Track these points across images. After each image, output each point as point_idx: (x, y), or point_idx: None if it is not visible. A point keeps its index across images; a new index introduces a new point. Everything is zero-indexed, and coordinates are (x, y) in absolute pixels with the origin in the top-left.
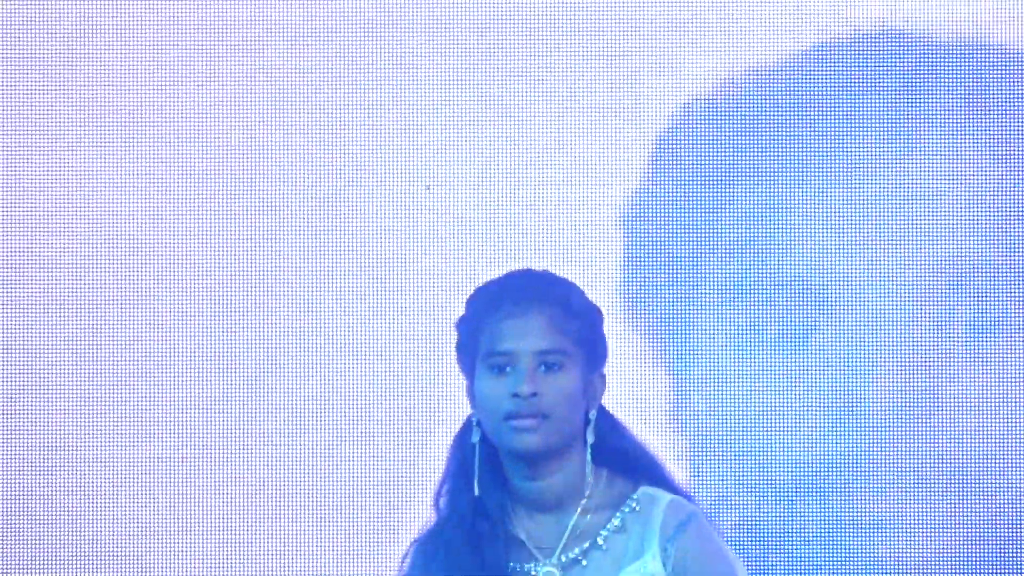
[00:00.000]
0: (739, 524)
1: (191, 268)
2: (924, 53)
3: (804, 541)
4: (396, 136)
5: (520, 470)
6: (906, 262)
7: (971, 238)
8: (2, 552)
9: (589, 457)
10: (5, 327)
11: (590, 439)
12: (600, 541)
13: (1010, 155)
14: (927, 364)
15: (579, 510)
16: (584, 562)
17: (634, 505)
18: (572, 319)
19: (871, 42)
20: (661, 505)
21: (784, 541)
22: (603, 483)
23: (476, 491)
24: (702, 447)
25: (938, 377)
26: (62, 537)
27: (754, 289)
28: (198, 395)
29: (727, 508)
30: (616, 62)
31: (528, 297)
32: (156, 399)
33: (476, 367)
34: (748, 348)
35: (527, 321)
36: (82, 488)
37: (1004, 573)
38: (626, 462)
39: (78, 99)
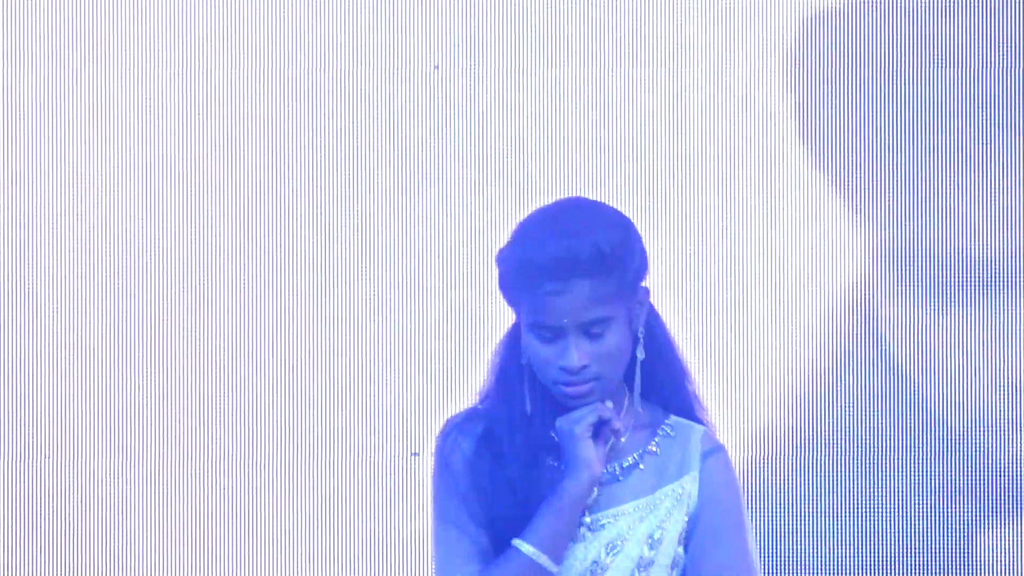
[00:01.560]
0: None
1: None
2: None
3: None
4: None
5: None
6: None
7: None
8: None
9: (638, 383)
10: None
11: (640, 356)
12: (638, 459)
13: None
14: None
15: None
16: (622, 479)
17: (669, 431)
18: (612, 276)
19: None
20: (698, 433)
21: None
22: (638, 405)
23: (528, 410)
24: None
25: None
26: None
27: None
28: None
29: None
30: None
31: (567, 270)
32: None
33: (521, 319)
34: None
35: (569, 296)
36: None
37: None
38: (662, 391)
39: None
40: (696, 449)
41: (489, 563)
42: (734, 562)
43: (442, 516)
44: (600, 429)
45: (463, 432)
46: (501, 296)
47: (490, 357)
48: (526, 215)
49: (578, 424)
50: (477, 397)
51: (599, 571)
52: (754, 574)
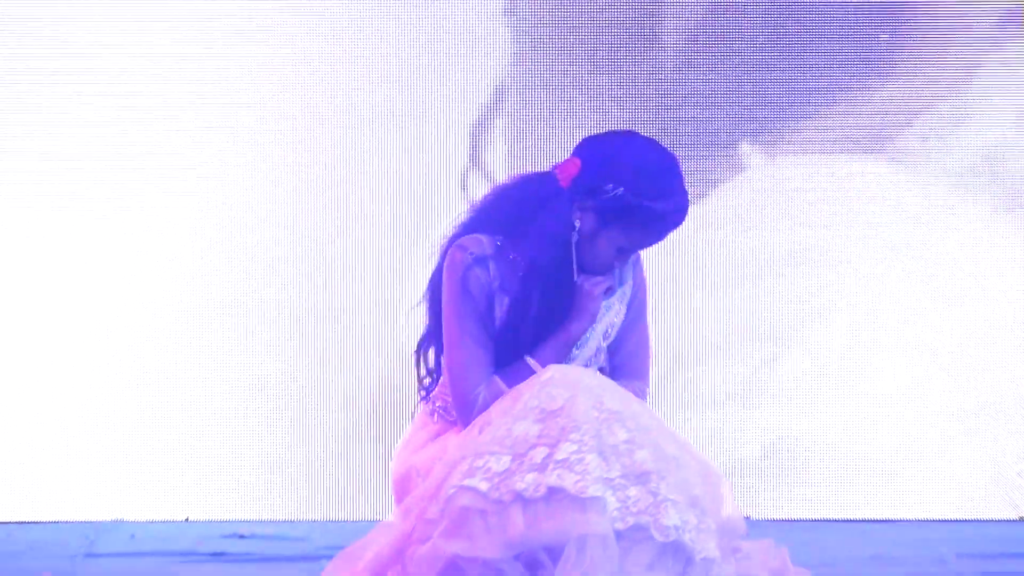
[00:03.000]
0: None
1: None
2: None
3: None
4: None
5: None
6: None
7: None
8: None
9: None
10: None
11: None
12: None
13: None
14: None
15: None
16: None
17: None
18: None
19: None
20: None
21: None
22: None
23: (575, 276)
24: None
25: None
26: None
27: None
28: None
29: None
30: None
31: (676, 226)
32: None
33: (601, 223)
34: None
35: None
36: None
37: None
38: None
39: None
40: (631, 259)
41: (497, 370)
42: (645, 336)
43: (463, 331)
44: (606, 293)
45: (483, 265)
46: (585, 191)
47: (514, 209)
48: (624, 141)
49: (597, 287)
50: (475, 219)
51: (568, 360)
52: (649, 346)
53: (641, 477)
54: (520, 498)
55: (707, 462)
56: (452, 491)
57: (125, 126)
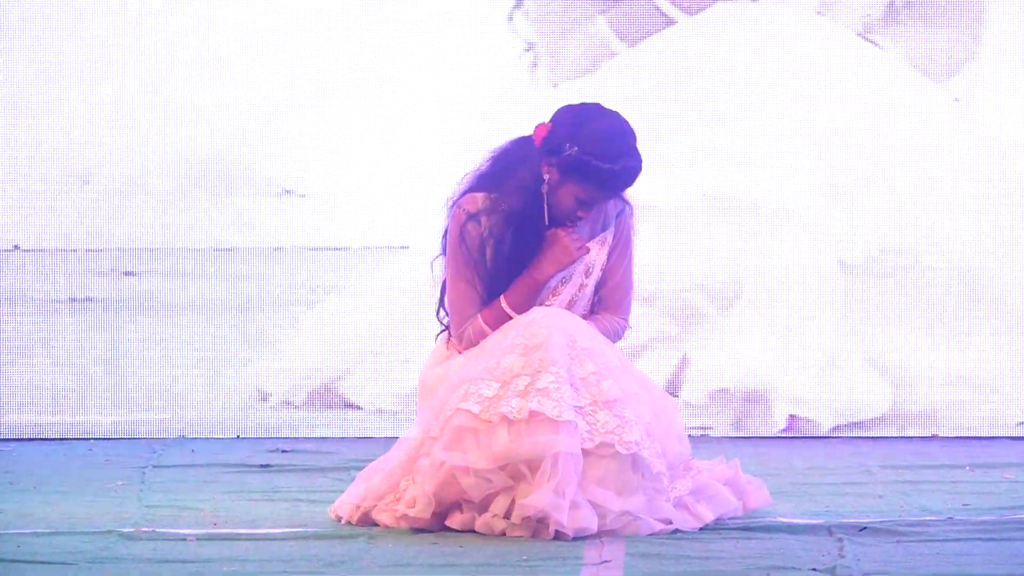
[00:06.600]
0: None
1: None
2: None
3: None
4: None
5: None
6: None
7: None
8: None
9: None
10: None
11: None
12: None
13: None
14: None
15: None
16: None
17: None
18: None
19: None
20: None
21: None
22: None
23: (547, 221)
24: None
25: None
26: None
27: None
28: None
29: None
30: None
31: (631, 183)
32: None
33: (565, 179)
34: None
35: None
36: None
37: None
38: None
39: None
40: (612, 211)
41: (482, 308)
42: (627, 279)
43: (457, 274)
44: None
45: (475, 220)
46: (550, 149)
47: (502, 166)
48: (588, 110)
49: (574, 241)
50: (473, 181)
51: (555, 294)
52: (632, 288)
53: (608, 404)
54: (506, 419)
55: (663, 395)
56: (450, 412)
57: None
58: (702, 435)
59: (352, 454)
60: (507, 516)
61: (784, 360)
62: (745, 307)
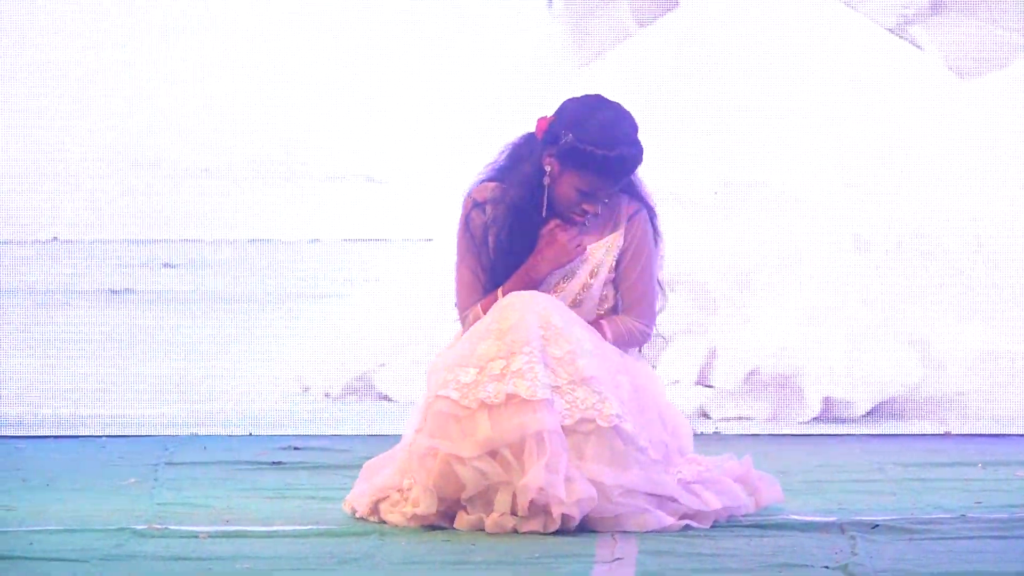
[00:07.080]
0: None
1: None
2: None
3: None
4: None
5: None
6: None
7: None
8: None
9: None
10: None
11: None
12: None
13: None
14: None
15: None
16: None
17: (605, 199)
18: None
19: None
20: (624, 199)
21: None
22: None
23: (544, 214)
24: None
25: None
26: None
27: None
28: None
29: None
30: None
31: (629, 173)
32: None
33: (567, 169)
34: None
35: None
36: None
37: None
38: None
39: None
40: (624, 211)
41: (484, 296)
42: (646, 285)
43: (461, 261)
44: (576, 245)
45: (480, 208)
46: (550, 140)
47: (511, 158)
48: (588, 101)
49: (566, 236)
50: (488, 172)
51: (560, 293)
52: (653, 293)
53: (586, 380)
54: (485, 405)
55: (648, 375)
56: (431, 399)
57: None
58: (715, 431)
59: (365, 451)
60: (513, 513)
61: (812, 342)
62: (767, 291)
